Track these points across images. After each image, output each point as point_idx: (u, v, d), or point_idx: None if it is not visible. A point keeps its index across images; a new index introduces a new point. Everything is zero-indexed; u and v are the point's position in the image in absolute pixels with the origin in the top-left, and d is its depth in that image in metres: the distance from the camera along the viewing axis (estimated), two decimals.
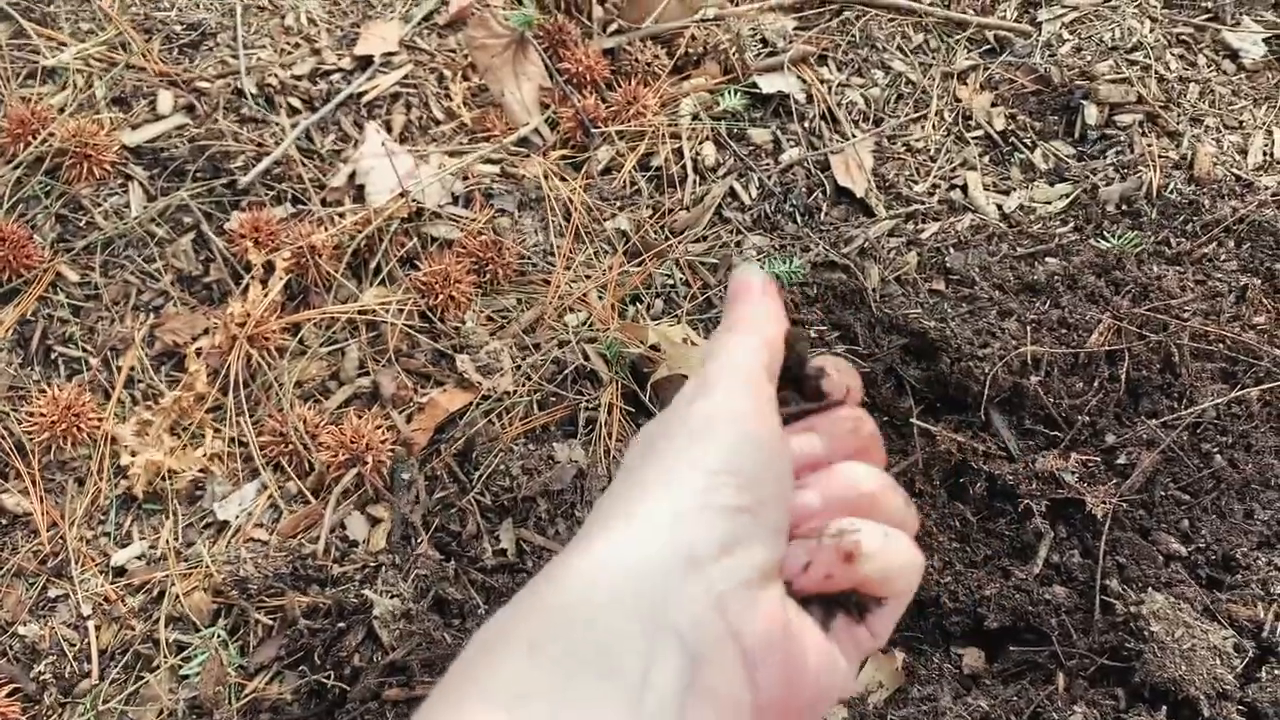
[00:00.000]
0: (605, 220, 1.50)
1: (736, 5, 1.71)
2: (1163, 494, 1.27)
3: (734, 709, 0.51)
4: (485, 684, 0.49)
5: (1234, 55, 1.62)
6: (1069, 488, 1.29)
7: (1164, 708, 1.10)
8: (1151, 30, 1.64)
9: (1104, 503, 1.27)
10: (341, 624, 1.12)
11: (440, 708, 0.50)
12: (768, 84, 1.60)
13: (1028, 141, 1.58)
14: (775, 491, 0.55)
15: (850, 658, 0.58)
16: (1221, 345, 1.33)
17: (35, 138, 1.46)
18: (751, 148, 1.57)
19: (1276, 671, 1.11)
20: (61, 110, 1.53)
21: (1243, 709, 1.09)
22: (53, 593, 1.22)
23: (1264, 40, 1.63)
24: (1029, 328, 1.38)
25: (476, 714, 0.49)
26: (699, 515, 0.51)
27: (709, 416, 0.55)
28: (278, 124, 1.55)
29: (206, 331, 1.39)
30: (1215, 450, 1.28)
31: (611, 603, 0.50)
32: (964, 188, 1.54)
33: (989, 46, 1.67)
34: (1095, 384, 1.33)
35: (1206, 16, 1.66)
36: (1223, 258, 1.41)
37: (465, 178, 1.51)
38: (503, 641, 0.51)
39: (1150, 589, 1.20)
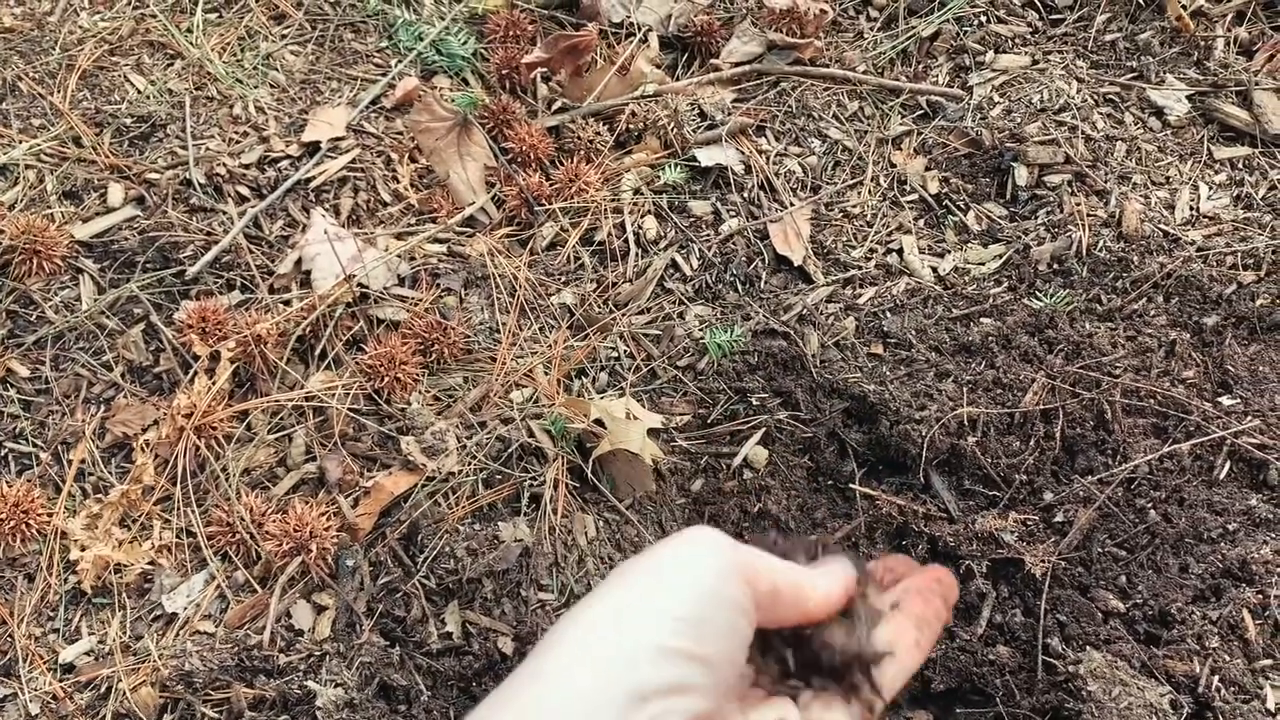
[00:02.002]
0: (550, 295, 1.53)
1: (676, 80, 1.75)
2: (1100, 550, 1.29)
3: None
4: None
5: (1159, 112, 1.67)
6: (1009, 547, 1.30)
7: None
8: (1079, 91, 1.69)
9: (1043, 561, 1.29)
10: (286, 716, 1.13)
11: None
12: (707, 156, 1.64)
13: (961, 204, 1.62)
14: (729, 651, 0.58)
15: None
16: (1152, 401, 1.36)
17: None
18: (692, 219, 1.61)
19: None
20: (12, 207, 1.56)
21: None
22: (0, 692, 1.22)
23: (1187, 97, 1.67)
24: (965, 388, 1.40)
25: None
26: (654, 655, 0.54)
27: (686, 563, 0.58)
28: (225, 213, 1.58)
29: (156, 423, 1.40)
30: (1149, 505, 1.30)
31: None
32: (900, 251, 1.57)
33: (922, 111, 1.72)
34: (1031, 443, 1.36)
35: (1131, 75, 1.71)
36: (1152, 313, 1.45)
37: (412, 258, 1.53)
38: None
39: (1089, 647, 1.21)
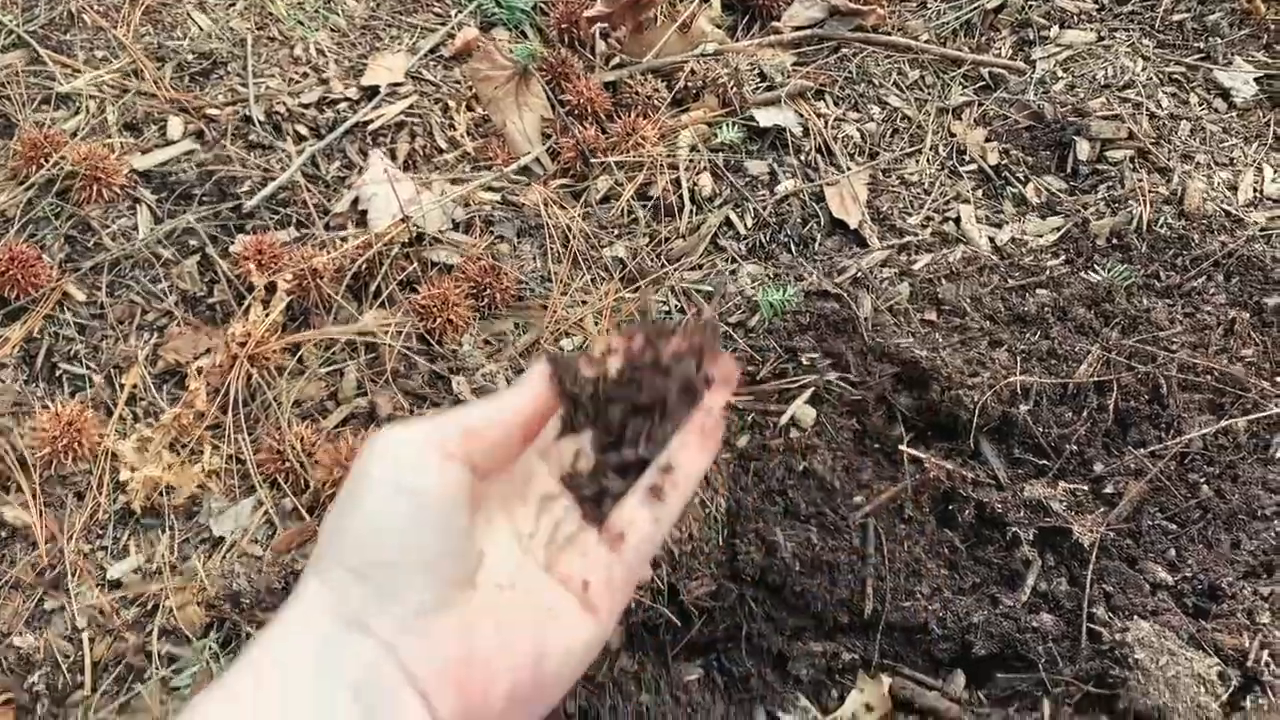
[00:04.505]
0: (602, 247, 1.53)
1: (736, 41, 1.74)
2: (1150, 523, 1.28)
3: None
4: None
5: (1225, 94, 1.65)
6: (1057, 516, 1.29)
7: None
8: (1144, 69, 1.67)
9: (1091, 531, 1.28)
10: None
11: None
12: (765, 118, 1.63)
13: (1020, 176, 1.60)
14: (433, 540, 0.59)
15: (604, 606, 0.65)
16: (1209, 377, 1.34)
17: (47, 161, 1.50)
18: (748, 179, 1.60)
19: (1260, 701, 1.11)
20: (74, 135, 1.57)
21: None
22: (49, 605, 1.23)
23: (1255, 80, 1.65)
24: (1019, 358, 1.39)
25: None
26: (345, 577, 0.57)
27: (362, 475, 0.60)
28: (284, 150, 1.58)
29: (209, 351, 1.41)
30: (1202, 480, 1.29)
31: (293, 661, 0.56)
32: (957, 220, 1.56)
33: (983, 83, 1.70)
34: (1084, 414, 1.35)
35: (1198, 56, 1.69)
36: (1211, 291, 1.43)
37: (466, 204, 1.54)
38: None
39: (1136, 617, 1.20)
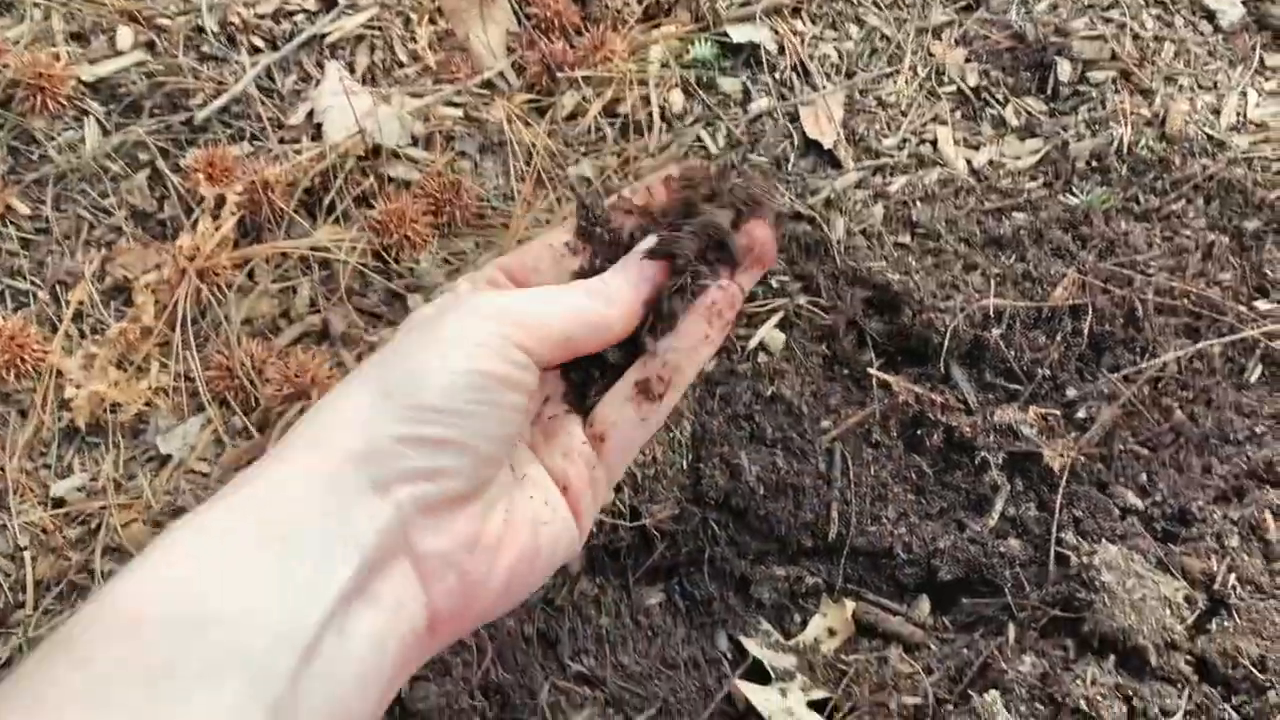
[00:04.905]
0: (568, 166, 1.48)
1: None
2: (1121, 448, 1.26)
3: (398, 613, 0.55)
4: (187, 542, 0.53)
5: (1211, 17, 1.60)
6: (1027, 440, 1.27)
7: (1112, 657, 1.09)
8: None
9: (1062, 456, 1.25)
10: None
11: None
12: (739, 34, 1.58)
13: (1000, 98, 1.56)
14: (492, 429, 0.58)
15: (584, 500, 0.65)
16: (1186, 300, 1.31)
17: None
18: (720, 97, 1.55)
19: (1226, 624, 1.09)
20: (17, 43, 1.50)
21: (1191, 659, 1.08)
22: None
23: (1242, 2, 1.60)
24: (993, 281, 1.36)
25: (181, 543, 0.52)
26: (394, 446, 0.55)
27: (448, 345, 0.58)
28: (238, 62, 1.52)
29: (158, 267, 1.36)
30: (1176, 405, 1.26)
31: (302, 502, 0.53)
32: (934, 142, 1.52)
33: (965, 3, 1.65)
34: (1057, 338, 1.32)
35: None
36: (1191, 215, 1.39)
37: (426, 119, 1.48)
38: (196, 515, 0.54)
39: (1105, 541, 1.18)
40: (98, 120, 1.47)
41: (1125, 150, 1.46)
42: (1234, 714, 1.06)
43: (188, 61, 1.51)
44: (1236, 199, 1.40)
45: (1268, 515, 1.16)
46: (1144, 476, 1.24)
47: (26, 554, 1.17)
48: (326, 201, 1.39)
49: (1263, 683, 1.05)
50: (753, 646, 1.21)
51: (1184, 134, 1.47)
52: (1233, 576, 1.12)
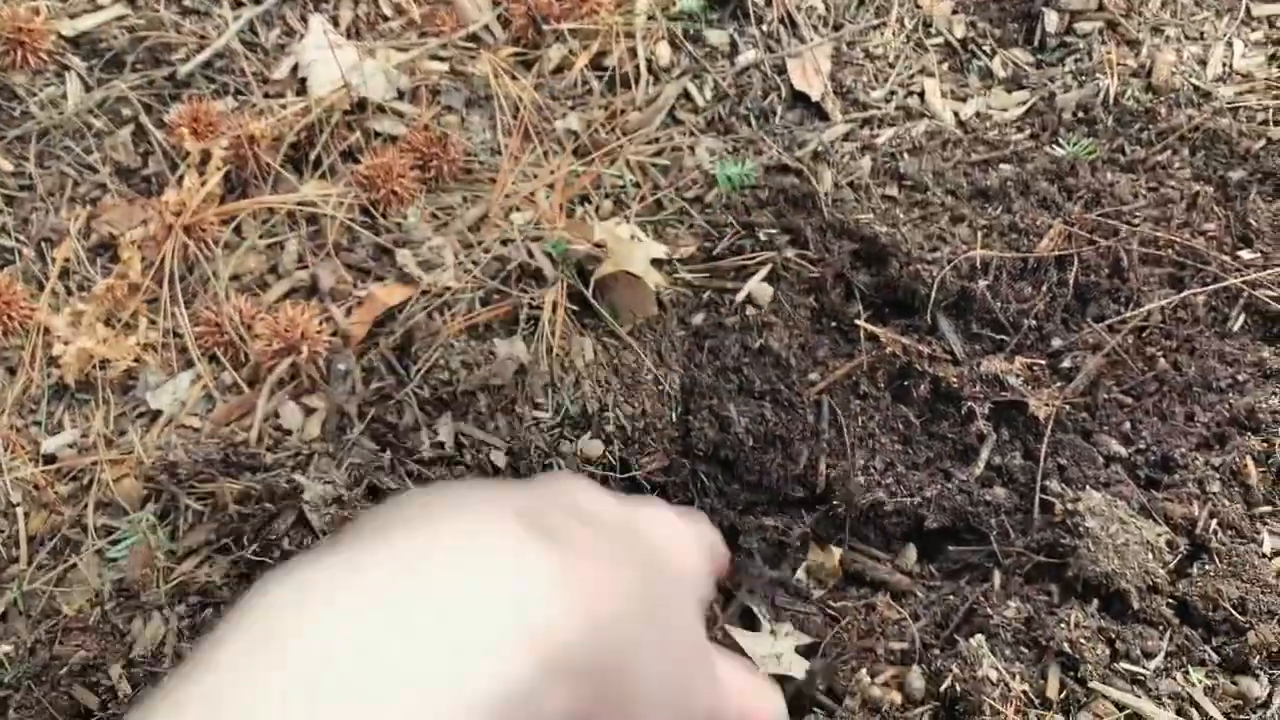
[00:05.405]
0: (555, 119, 1.47)
1: None
2: (1106, 397, 1.27)
3: None
4: None
5: None
6: (1013, 390, 1.28)
7: (1095, 601, 1.10)
8: None
9: (1047, 405, 1.26)
10: (272, 508, 1.11)
11: None
12: None
13: (987, 49, 1.56)
14: (645, 687, 0.46)
15: None
16: (1171, 250, 1.32)
17: None
18: (707, 49, 1.54)
19: (1207, 568, 1.11)
20: None
21: (1172, 602, 1.09)
22: None
23: None
24: (980, 232, 1.36)
25: None
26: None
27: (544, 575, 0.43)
28: (221, 16, 1.51)
29: (144, 223, 1.35)
30: (1159, 354, 1.27)
31: None
32: (921, 94, 1.52)
33: None
34: (1043, 288, 1.32)
35: None
36: (1176, 165, 1.40)
37: (412, 73, 1.47)
38: None
39: (1089, 488, 1.20)
40: (79, 75, 1.46)
41: (1112, 101, 1.46)
42: (1214, 655, 1.08)
43: (169, 15, 1.49)
44: (1222, 149, 1.41)
45: (1249, 461, 1.18)
46: (1128, 425, 1.25)
47: (19, 510, 1.18)
48: (313, 156, 1.38)
49: (1242, 624, 1.07)
50: (743, 594, 1.23)
51: (1170, 84, 1.47)
52: (1214, 521, 1.14)
